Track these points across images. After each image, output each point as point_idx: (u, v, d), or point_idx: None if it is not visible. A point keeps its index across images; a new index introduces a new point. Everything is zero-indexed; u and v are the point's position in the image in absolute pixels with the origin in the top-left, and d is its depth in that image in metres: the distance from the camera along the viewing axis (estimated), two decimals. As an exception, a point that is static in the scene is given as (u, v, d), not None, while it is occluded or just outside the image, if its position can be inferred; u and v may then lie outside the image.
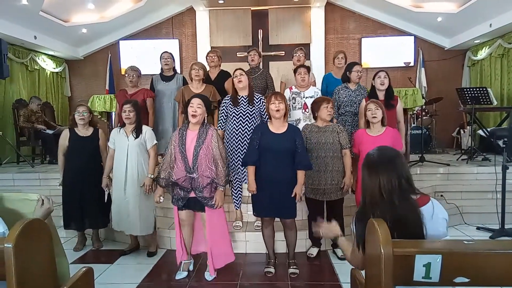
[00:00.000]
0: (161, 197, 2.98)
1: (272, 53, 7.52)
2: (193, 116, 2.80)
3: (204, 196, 2.83)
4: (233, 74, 3.50)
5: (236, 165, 3.52)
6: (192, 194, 2.86)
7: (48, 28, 6.67)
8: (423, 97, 6.04)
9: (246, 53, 4.66)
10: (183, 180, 2.84)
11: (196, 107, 2.81)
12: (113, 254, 3.53)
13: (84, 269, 1.85)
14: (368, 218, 1.50)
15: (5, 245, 1.32)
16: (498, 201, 3.83)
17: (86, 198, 3.49)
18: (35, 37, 6.60)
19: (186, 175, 2.83)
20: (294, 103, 3.78)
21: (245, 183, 3.53)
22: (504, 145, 3.78)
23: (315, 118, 3.31)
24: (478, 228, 4.08)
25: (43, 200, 1.74)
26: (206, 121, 2.92)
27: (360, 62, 7.73)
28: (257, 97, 3.51)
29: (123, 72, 7.57)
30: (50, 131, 6.08)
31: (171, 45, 7.78)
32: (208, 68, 4.29)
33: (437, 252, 1.34)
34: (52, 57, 7.67)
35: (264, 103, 3.49)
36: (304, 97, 3.78)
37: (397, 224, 1.47)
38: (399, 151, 1.68)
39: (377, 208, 1.52)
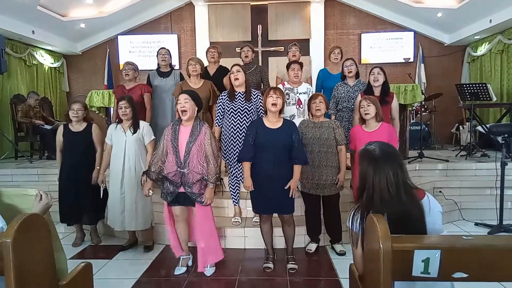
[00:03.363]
0: (150, 191, 2.97)
1: (271, 49, 7.49)
2: (183, 111, 2.80)
3: (193, 192, 2.82)
4: (230, 70, 3.48)
5: (233, 161, 3.52)
6: (182, 189, 2.86)
7: (46, 23, 6.63)
8: (422, 93, 6.02)
9: (239, 49, 4.63)
10: (173, 175, 2.84)
11: (184, 102, 2.79)
12: (111, 250, 3.53)
13: (83, 264, 1.85)
14: (374, 213, 1.50)
15: (4, 240, 1.32)
16: (496, 197, 3.83)
17: (81, 193, 3.49)
18: (33, 32, 6.57)
19: (176, 169, 2.83)
20: (288, 99, 3.76)
21: (241, 180, 3.53)
22: (503, 141, 3.78)
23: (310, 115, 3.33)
24: (476, 224, 4.09)
25: (41, 195, 1.74)
26: (199, 117, 2.91)
27: (359, 57, 7.75)
28: (254, 93, 3.50)
29: (121, 67, 7.58)
30: (48, 127, 6.07)
31: (170, 40, 7.77)
32: (206, 63, 4.26)
33: (436, 247, 1.34)
34: (50, 52, 7.64)
35: (260, 99, 3.48)
36: (297, 93, 3.77)
37: (404, 220, 1.50)
38: (394, 146, 1.71)
39: (387, 205, 1.53)
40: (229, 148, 3.51)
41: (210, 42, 7.52)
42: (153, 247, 3.53)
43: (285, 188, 2.88)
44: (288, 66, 3.86)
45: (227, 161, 3.59)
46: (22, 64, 6.92)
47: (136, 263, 3.23)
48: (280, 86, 3.84)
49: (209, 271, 2.97)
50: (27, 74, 7.08)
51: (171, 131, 2.87)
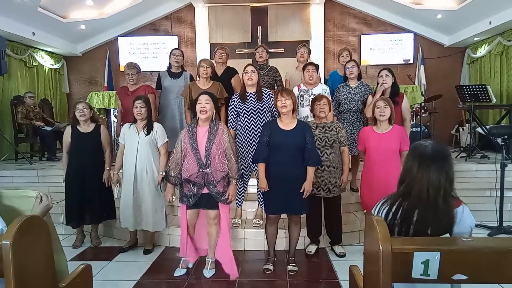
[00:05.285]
0: (173, 196, 2.97)
1: (272, 50, 7.45)
2: (202, 112, 2.81)
3: (218, 191, 2.84)
4: (243, 70, 3.45)
5: (244, 162, 3.50)
6: (205, 190, 2.86)
7: (46, 24, 6.64)
8: (422, 95, 6.04)
9: (253, 50, 4.64)
10: (196, 176, 2.83)
11: (205, 103, 2.82)
12: (111, 251, 3.53)
13: (83, 266, 1.85)
14: (407, 209, 1.51)
15: (3, 242, 1.32)
16: (496, 198, 3.83)
17: (88, 194, 3.49)
18: (34, 34, 6.58)
19: (199, 170, 2.82)
20: (302, 101, 3.77)
21: (255, 177, 3.51)
22: (503, 143, 3.78)
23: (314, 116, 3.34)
24: (476, 226, 4.08)
25: (41, 197, 1.74)
26: (214, 117, 2.92)
27: (359, 59, 7.76)
28: (265, 92, 3.49)
29: (121, 69, 7.61)
30: (48, 128, 6.07)
31: (170, 42, 7.78)
32: (215, 65, 4.26)
33: (435, 249, 1.34)
34: (50, 53, 7.64)
35: (273, 98, 3.46)
36: (311, 95, 3.76)
37: (432, 224, 1.49)
38: (449, 150, 1.67)
39: (421, 204, 1.52)
40: (245, 149, 3.48)
41: (210, 44, 7.55)
42: (153, 250, 3.52)
43: (300, 191, 2.89)
44: (304, 68, 3.86)
45: (242, 163, 3.56)
46: (23, 66, 6.93)
47: (136, 265, 3.23)
48: (295, 88, 3.84)
49: (208, 272, 2.97)
50: (28, 75, 7.08)
51: (188, 133, 2.87)
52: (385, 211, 1.60)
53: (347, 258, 3.25)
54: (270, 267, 3.05)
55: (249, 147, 3.46)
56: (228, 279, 2.89)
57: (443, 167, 1.54)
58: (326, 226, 3.42)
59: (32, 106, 6.09)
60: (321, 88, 3.82)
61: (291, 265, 3.04)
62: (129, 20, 7.77)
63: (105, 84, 7.88)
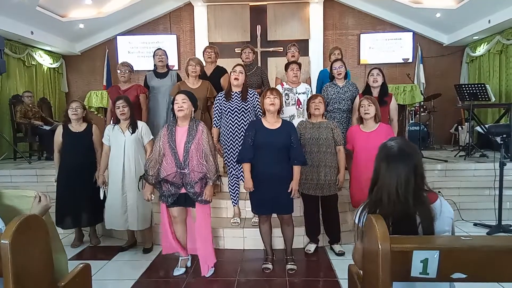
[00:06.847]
0: (152, 195, 2.96)
1: (271, 49, 7.47)
2: (180, 110, 2.79)
3: (195, 192, 2.82)
4: (232, 69, 3.47)
5: (232, 161, 3.51)
6: (183, 190, 2.85)
7: (45, 23, 6.62)
8: (421, 94, 6.04)
9: (239, 50, 4.64)
10: (173, 176, 2.82)
11: (181, 102, 2.79)
12: (110, 251, 3.53)
13: (82, 265, 1.84)
14: (381, 213, 1.49)
15: (2, 241, 1.31)
16: (495, 197, 3.84)
17: (80, 195, 3.46)
18: (32, 33, 6.55)
19: (177, 171, 2.82)
20: (287, 99, 3.75)
21: (242, 180, 3.53)
22: (501, 142, 3.79)
23: (309, 115, 3.34)
24: (475, 224, 4.09)
25: (40, 197, 1.74)
26: (193, 116, 2.90)
27: (358, 58, 7.77)
28: (250, 92, 3.50)
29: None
30: (47, 127, 6.05)
31: (169, 41, 7.76)
32: (204, 64, 4.27)
33: (434, 248, 1.34)
34: (49, 52, 7.62)
35: (257, 98, 3.49)
36: (296, 93, 3.77)
37: (408, 223, 1.48)
38: (416, 146, 1.66)
39: (393, 206, 1.50)
40: (228, 148, 3.51)
41: (209, 43, 7.51)
42: (152, 249, 3.53)
43: (288, 191, 2.89)
44: (286, 67, 3.86)
45: (226, 161, 3.58)
46: (21, 65, 6.90)
47: (135, 264, 3.23)
48: (279, 86, 3.84)
49: (208, 272, 2.97)
50: (26, 74, 7.06)
51: (167, 133, 2.86)
52: (364, 218, 1.58)
53: (346, 257, 3.25)
54: (269, 266, 3.05)
55: (234, 146, 3.47)
56: (227, 278, 2.90)
57: (411, 163, 1.53)
58: (324, 225, 3.43)
59: (30, 105, 6.08)
60: (304, 87, 3.82)
61: (290, 264, 3.04)
62: (128, 19, 7.74)
63: (104, 83, 7.86)
